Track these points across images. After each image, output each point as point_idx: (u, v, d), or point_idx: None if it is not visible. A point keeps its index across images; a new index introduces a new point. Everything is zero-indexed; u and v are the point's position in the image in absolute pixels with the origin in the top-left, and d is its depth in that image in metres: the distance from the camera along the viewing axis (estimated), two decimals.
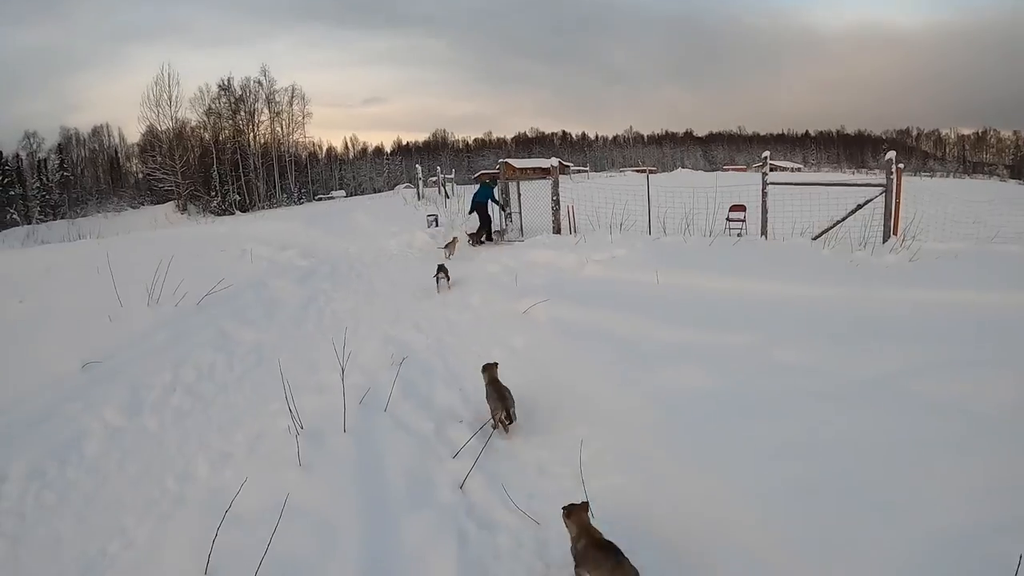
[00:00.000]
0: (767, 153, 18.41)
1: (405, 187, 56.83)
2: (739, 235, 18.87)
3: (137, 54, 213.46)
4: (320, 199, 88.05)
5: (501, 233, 21.78)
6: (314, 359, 10.21)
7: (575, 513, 5.08)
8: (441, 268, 15.04)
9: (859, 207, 16.21)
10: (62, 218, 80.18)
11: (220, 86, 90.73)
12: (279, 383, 8.26)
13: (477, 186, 22.88)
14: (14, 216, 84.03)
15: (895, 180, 15.79)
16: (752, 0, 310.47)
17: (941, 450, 5.71)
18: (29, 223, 78.99)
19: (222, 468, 7.17)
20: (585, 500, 5.29)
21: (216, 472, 7.11)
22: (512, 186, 23.53)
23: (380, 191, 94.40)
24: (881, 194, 15.96)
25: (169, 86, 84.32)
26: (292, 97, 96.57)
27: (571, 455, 6.59)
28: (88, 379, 9.81)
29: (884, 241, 15.46)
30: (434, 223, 23.99)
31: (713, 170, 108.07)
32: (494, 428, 7.32)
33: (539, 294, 11.77)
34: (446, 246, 18.93)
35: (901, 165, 16.08)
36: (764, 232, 17.49)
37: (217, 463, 7.30)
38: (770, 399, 6.99)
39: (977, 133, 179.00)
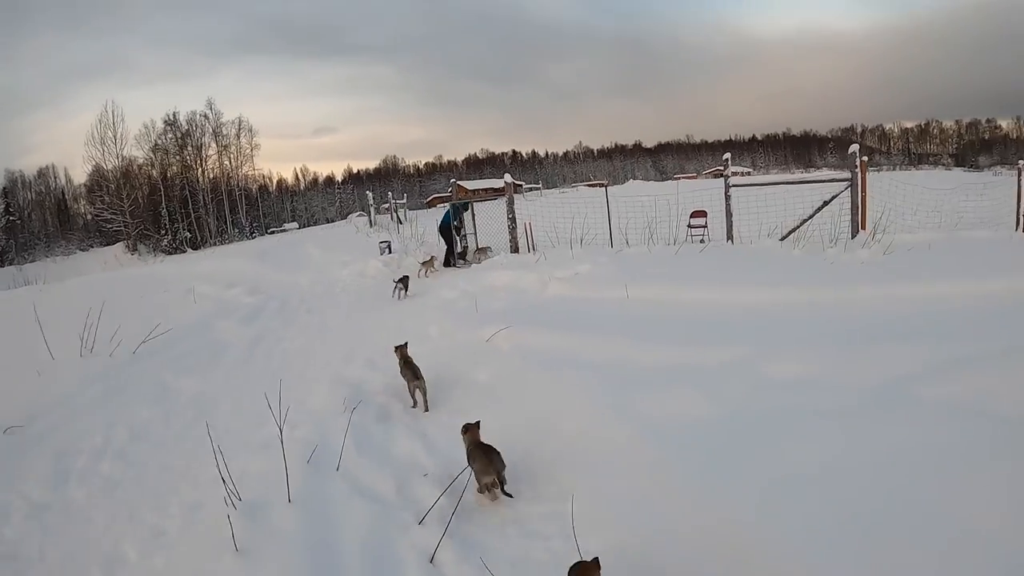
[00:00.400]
0: (728, 155, 17.79)
1: (358, 215, 55.74)
2: (702, 241, 18.43)
3: (83, 93, 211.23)
4: (273, 232, 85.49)
5: (464, 255, 20.88)
6: (260, 410, 8.97)
7: (470, 431, 6.55)
8: (403, 279, 16.04)
9: (826, 203, 15.75)
10: (9, 264, 77.54)
11: (166, 121, 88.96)
12: (220, 440, 7.37)
13: (443, 209, 22.07)
14: None
15: (860, 174, 15.27)
16: (688, 18, 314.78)
17: (967, 460, 4.88)
18: None
19: (153, 551, 6.05)
20: (478, 420, 6.71)
21: (146, 557, 6.00)
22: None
23: (333, 221, 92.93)
24: (847, 189, 15.50)
25: (114, 124, 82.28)
26: (239, 130, 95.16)
27: (558, 508, 5.62)
28: (9, 446, 8.59)
29: (853, 236, 15.03)
30: (387, 250, 22.97)
31: (664, 179, 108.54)
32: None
33: (501, 320, 10.82)
34: (423, 264, 18.99)
35: (865, 158, 15.50)
36: (730, 236, 16.91)
37: (148, 544, 6.19)
38: (771, 422, 6.10)
39: (920, 126, 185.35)
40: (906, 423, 5.59)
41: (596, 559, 4.40)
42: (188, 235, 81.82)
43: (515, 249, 19.52)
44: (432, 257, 19.48)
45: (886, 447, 5.27)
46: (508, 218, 19.61)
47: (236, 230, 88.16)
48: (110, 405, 9.88)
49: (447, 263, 20.49)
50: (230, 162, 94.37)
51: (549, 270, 15.12)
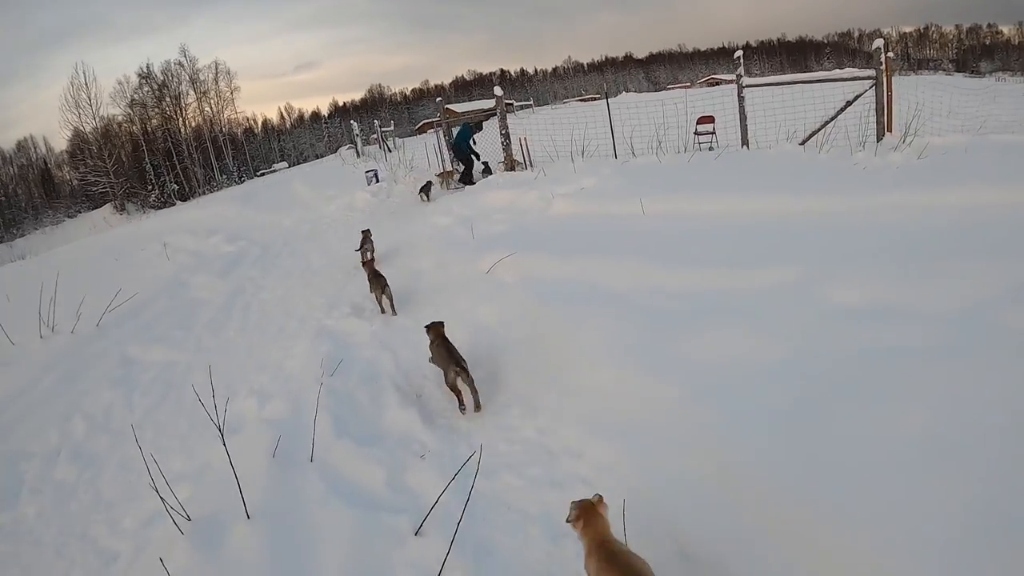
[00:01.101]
0: (739, 53, 15.90)
1: (347, 148, 53.71)
2: (710, 149, 17.01)
3: (58, 61, 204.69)
4: (262, 174, 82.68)
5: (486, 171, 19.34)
6: (232, 380, 7.82)
7: (433, 328, 6.67)
8: (426, 185, 16.81)
9: (849, 104, 14.10)
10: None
11: (140, 75, 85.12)
12: (189, 420, 6.76)
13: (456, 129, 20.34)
14: None
15: (885, 72, 13.55)
16: None
17: None
18: None
19: None
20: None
21: None
22: (456, 130, 21.00)
23: (322, 157, 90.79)
24: (872, 87, 13.79)
25: (86, 84, 78.87)
26: (217, 74, 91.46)
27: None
28: None
29: (879, 140, 13.40)
30: (374, 179, 21.36)
31: (657, 91, 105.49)
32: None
33: (502, 247, 9.49)
34: (441, 176, 18.42)
35: (891, 55, 13.81)
36: (745, 142, 15.31)
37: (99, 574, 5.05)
38: (859, 366, 4.60)
39: (919, 30, 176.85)
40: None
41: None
42: (176, 187, 79.08)
43: (510, 167, 17.97)
44: (429, 182, 17.96)
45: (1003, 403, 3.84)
46: (501, 134, 18.03)
47: (224, 176, 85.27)
48: (69, 393, 8.61)
49: (464, 181, 18.94)
50: (211, 108, 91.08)
51: (550, 187, 13.68)
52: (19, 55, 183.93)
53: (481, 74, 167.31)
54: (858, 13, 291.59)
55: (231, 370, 8.25)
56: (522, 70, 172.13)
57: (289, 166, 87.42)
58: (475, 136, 19.28)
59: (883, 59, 13.55)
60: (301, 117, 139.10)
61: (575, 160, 16.19)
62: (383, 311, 9.27)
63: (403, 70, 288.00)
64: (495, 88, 18.18)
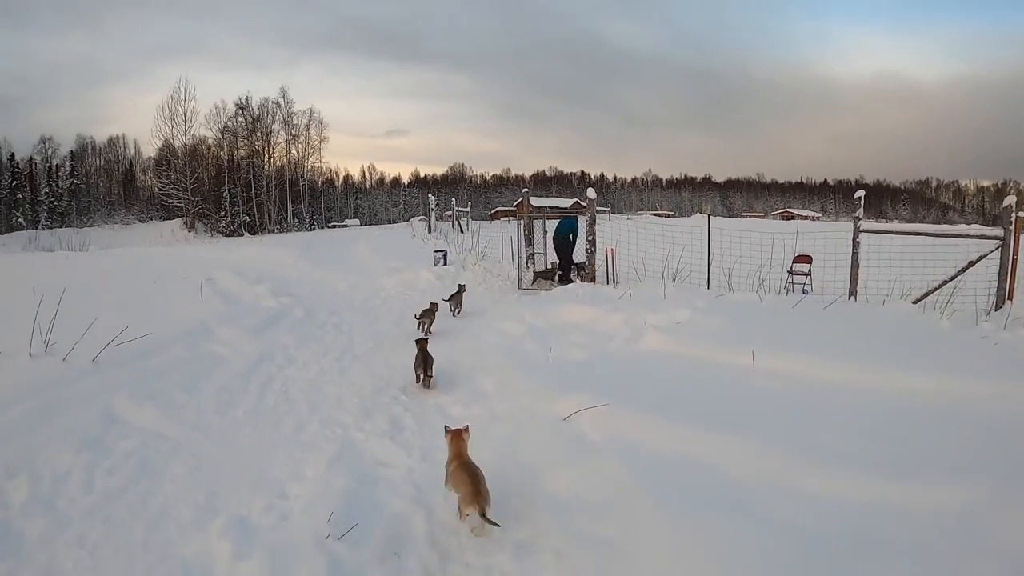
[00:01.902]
0: (861, 193, 14.17)
1: (419, 219, 52.73)
2: (804, 291, 15.74)
3: (160, 72, 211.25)
4: (334, 226, 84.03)
5: (553, 274, 17.79)
6: (218, 487, 5.99)
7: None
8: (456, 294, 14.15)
9: (971, 264, 12.29)
10: (68, 226, 76.57)
11: (237, 104, 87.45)
12: (144, 537, 5.15)
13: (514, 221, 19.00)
14: (19, 220, 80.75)
15: (1014, 231, 11.90)
16: (765, 54, 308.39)
17: None
18: (35, 228, 75.76)
19: None
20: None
21: None
22: (538, 224, 19.34)
23: (395, 222, 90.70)
24: (997, 248, 12.10)
25: (184, 101, 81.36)
26: (310, 120, 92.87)
27: None
28: None
29: (998, 307, 11.67)
30: (442, 260, 19.87)
31: (731, 216, 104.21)
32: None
33: (585, 384, 7.61)
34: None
35: (1023, 214, 11.99)
36: (853, 292, 13.40)
37: None
38: None
39: (997, 185, 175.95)
40: None
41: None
42: (247, 219, 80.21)
43: (592, 278, 16.28)
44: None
45: None
46: (587, 240, 16.33)
47: (296, 220, 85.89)
48: (29, 439, 6.82)
49: (561, 279, 17.49)
50: (297, 152, 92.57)
51: (638, 312, 11.81)
52: (130, 59, 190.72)
53: (562, 172, 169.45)
54: (936, 162, 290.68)
55: (223, 471, 6.40)
56: (602, 175, 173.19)
57: (361, 224, 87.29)
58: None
59: (1013, 218, 11.83)
60: (382, 180, 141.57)
61: (664, 285, 14.38)
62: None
63: (487, 154, 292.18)
64: (588, 190, 16.57)
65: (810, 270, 16.93)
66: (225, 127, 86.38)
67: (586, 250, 16.33)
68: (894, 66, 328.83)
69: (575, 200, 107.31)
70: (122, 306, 12.45)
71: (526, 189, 19.78)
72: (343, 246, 26.18)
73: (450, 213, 37.93)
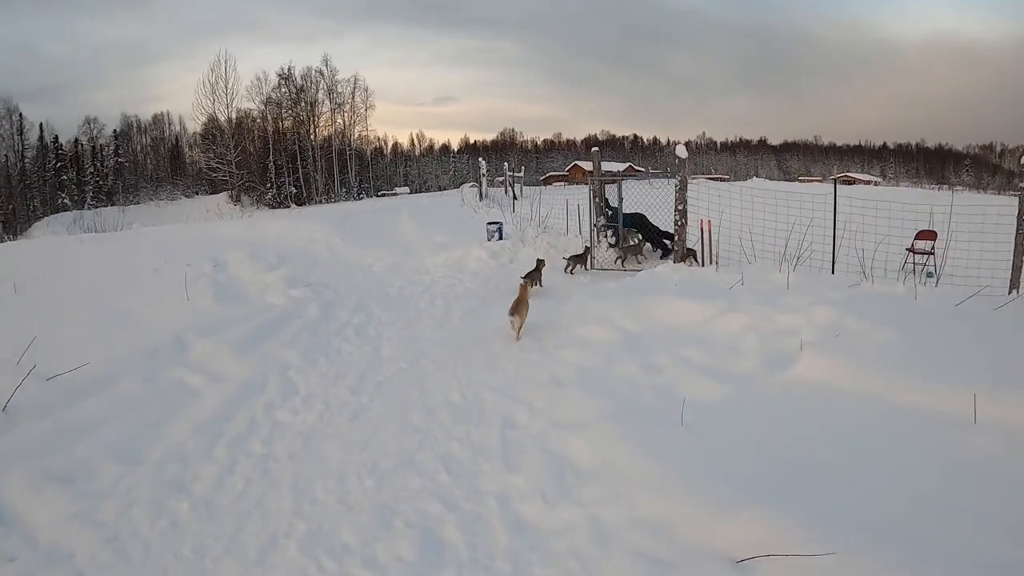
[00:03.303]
0: None
1: (470, 186, 49.31)
2: (929, 275, 12.49)
3: (205, 49, 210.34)
4: (383, 195, 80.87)
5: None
6: None
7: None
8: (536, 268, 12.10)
9: None
10: (113, 205, 74.63)
11: (280, 75, 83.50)
12: None
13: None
14: (65, 201, 79.20)
15: None
16: (818, 14, 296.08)
17: None
18: (81, 208, 74.30)
19: None
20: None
21: None
22: (611, 189, 15.85)
23: (445, 189, 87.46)
24: None
25: (225, 73, 78.33)
26: (355, 89, 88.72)
27: None
28: None
29: None
30: (497, 234, 16.28)
31: (788, 180, 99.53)
32: None
33: (754, 473, 4.72)
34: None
35: None
36: (1015, 284, 9.87)
37: None
38: None
39: None
40: None
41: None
42: (293, 191, 77.13)
43: (682, 257, 12.90)
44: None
45: None
46: (677, 210, 12.92)
47: (344, 190, 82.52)
48: None
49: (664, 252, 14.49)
50: (343, 120, 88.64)
51: (761, 309, 8.61)
52: (174, 37, 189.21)
53: (614, 136, 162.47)
54: (1001, 126, 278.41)
55: None
56: (655, 138, 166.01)
57: (410, 192, 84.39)
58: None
59: None
60: (431, 147, 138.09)
61: (781, 267, 11.08)
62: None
63: (537, 119, 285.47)
64: (678, 148, 13.01)
65: (933, 248, 13.71)
66: (269, 98, 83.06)
67: (676, 223, 12.96)
68: (951, 26, 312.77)
69: (628, 164, 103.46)
70: (86, 310, 9.47)
71: (596, 148, 16.39)
72: (385, 218, 22.68)
73: (502, 179, 34.54)
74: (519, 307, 9.17)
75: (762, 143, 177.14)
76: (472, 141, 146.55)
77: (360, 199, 73.54)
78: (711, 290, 9.89)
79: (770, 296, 9.36)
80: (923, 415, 5.67)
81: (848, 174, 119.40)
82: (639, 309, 9.28)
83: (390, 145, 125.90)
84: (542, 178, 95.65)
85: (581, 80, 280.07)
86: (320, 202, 73.04)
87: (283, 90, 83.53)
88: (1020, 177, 10.35)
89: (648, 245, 14.71)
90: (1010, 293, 9.66)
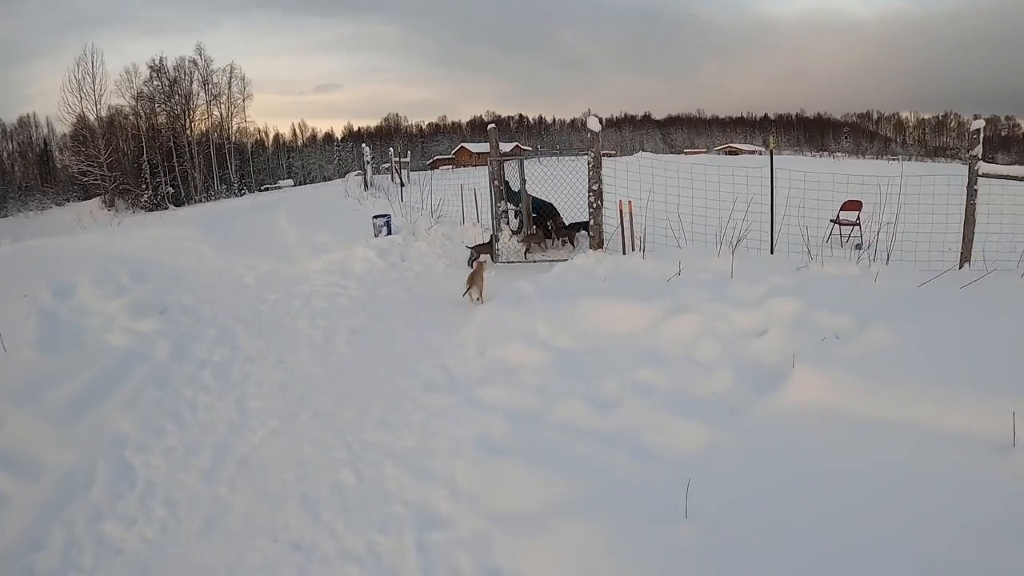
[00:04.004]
0: (980, 123, 9.72)
1: (355, 175, 46.76)
2: (857, 247, 12.00)
3: (74, 46, 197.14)
4: (266, 188, 75.54)
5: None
6: None
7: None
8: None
9: None
10: None
11: (151, 67, 76.95)
12: None
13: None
14: None
15: None
16: None
17: None
18: None
19: None
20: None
21: None
22: (509, 168, 13.94)
23: (330, 179, 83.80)
24: None
25: (92, 68, 71.25)
26: (231, 78, 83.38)
27: None
28: None
29: None
30: (385, 229, 14.16)
31: (674, 152, 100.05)
32: None
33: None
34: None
35: None
36: (967, 257, 9.01)
37: None
38: None
39: (938, 117, 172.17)
40: None
41: None
42: (171, 191, 71.28)
43: (599, 243, 11.21)
44: (479, 254, 11.58)
45: None
46: (591, 191, 11.21)
47: (224, 186, 77.24)
48: None
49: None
50: (220, 113, 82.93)
51: (713, 305, 7.18)
52: (46, 34, 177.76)
53: (499, 116, 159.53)
54: (878, 96, 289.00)
55: None
56: (540, 117, 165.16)
57: (294, 184, 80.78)
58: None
59: None
60: (314, 137, 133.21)
61: (720, 250, 9.64)
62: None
63: (421, 103, 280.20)
64: (590, 120, 11.30)
65: (859, 218, 13.40)
66: (140, 93, 76.34)
67: (590, 205, 11.23)
68: (827, 3, 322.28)
69: (515, 144, 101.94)
70: None
71: (492, 124, 14.45)
72: (261, 217, 20.04)
73: (387, 165, 32.27)
74: (475, 279, 9.61)
75: (647, 118, 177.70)
76: (356, 128, 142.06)
77: (242, 195, 69.56)
78: (646, 285, 8.24)
79: (715, 288, 7.86)
80: (962, 442, 4.26)
81: (732, 144, 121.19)
82: (567, 317, 7.51)
83: (271, 137, 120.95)
84: (428, 162, 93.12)
85: (466, 63, 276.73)
86: (200, 201, 68.21)
87: (155, 83, 77.25)
88: (969, 146, 9.28)
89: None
90: (960, 267, 8.73)
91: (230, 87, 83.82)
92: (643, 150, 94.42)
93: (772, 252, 10.40)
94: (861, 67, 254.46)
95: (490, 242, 12.11)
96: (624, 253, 10.80)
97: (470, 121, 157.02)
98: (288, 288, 10.91)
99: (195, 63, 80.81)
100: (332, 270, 11.88)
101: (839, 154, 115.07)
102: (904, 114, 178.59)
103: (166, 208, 62.21)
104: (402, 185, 26.60)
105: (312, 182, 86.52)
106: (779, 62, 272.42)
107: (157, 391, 7.00)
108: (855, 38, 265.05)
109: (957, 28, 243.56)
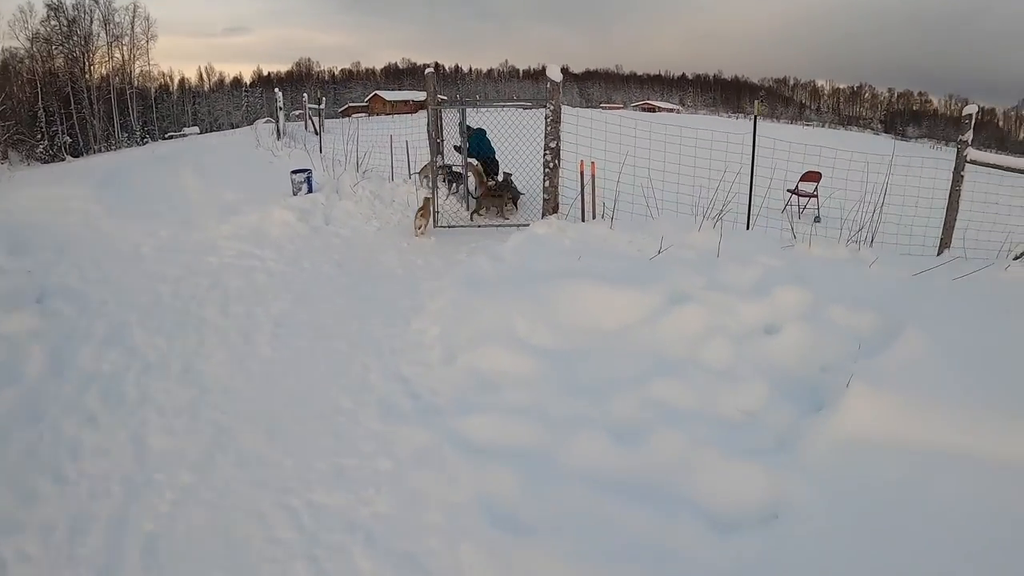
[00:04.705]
0: (972, 109, 9.04)
1: (265, 122, 43.78)
2: (816, 220, 12.03)
3: None
4: (170, 136, 70.28)
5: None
6: None
7: None
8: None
9: None
10: None
11: (49, 5, 70.03)
12: None
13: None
14: None
15: None
16: None
17: None
18: None
19: None
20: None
21: None
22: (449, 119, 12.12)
23: (238, 126, 79.27)
24: None
25: None
26: (134, 17, 77.08)
27: None
28: None
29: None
30: (305, 187, 12.14)
31: (589, 107, 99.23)
32: None
33: None
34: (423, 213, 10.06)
35: None
36: (947, 243, 8.71)
37: None
38: None
39: (852, 88, 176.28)
40: None
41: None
42: (68, 140, 65.17)
43: (554, 208, 9.73)
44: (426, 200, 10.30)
45: None
46: (548, 148, 9.61)
47: (125, 135, 71.65)
48: None
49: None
50: (122, 55, 76.87)
51: (719, 298, 6.01)
52: None
53: (415, 64, 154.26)
54: (795, 63, 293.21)
55: None
56: (457, 66, 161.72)
57: (200, 132, 76.39)
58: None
59: None
60: (222, 81, 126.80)
61: (699, 222, 8.49)
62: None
63: (334, 48, 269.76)
64: (550, 68, 9.72)
65: (816, 190, 12.83)
66: (36, 34, 69.80)
67: (546, 165, 9.64)
68: None
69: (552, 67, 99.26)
70: None
71: (430, 69, 12.60)
72: (162, 170, 17.16)
73: (299, 112, 29.83)
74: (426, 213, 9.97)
75: (564, 71, 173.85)
76: (266, 73, 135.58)
77: (144, 144, 65.22)
78: (629, 265, 6.82)
79: (704, 269, 6.60)
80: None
81: (649, 102, 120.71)
82: (546, 307, 5.99)
83: (176, 81, 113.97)
84: (341, 109, 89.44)
85: (379, 8, 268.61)
86: (99, 151, 63.43)
87: (52, 23, 70.49)
88: (961, 131, 8.71)
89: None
90: (940, 253, 8.43)
91: (133, 27, 77.47)
92: (505, 101, 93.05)
93: (748, 227, 9.32)
94: (779, 32, 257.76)
95: (424, 206, 10.39)
96: (583, 220, 9.30)
97: (384, 68, 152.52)
98: (193, 261, 8.97)
99: (96, 1, 74.32)
100: (245, 236, 9.98)
101: (742, 115, 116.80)
102: (820, 82, 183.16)
103: (63, 159, 57.89)
104: (316, 133, 24.41)
105: (219, 129, 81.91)
106: (698, 22, 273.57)
107: (24, 429, 5.05)
108: (773, 2, 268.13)
109: (875, 6, 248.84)
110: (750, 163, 10.04)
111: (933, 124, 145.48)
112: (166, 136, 73.06)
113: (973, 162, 8.62)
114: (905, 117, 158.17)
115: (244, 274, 8.45)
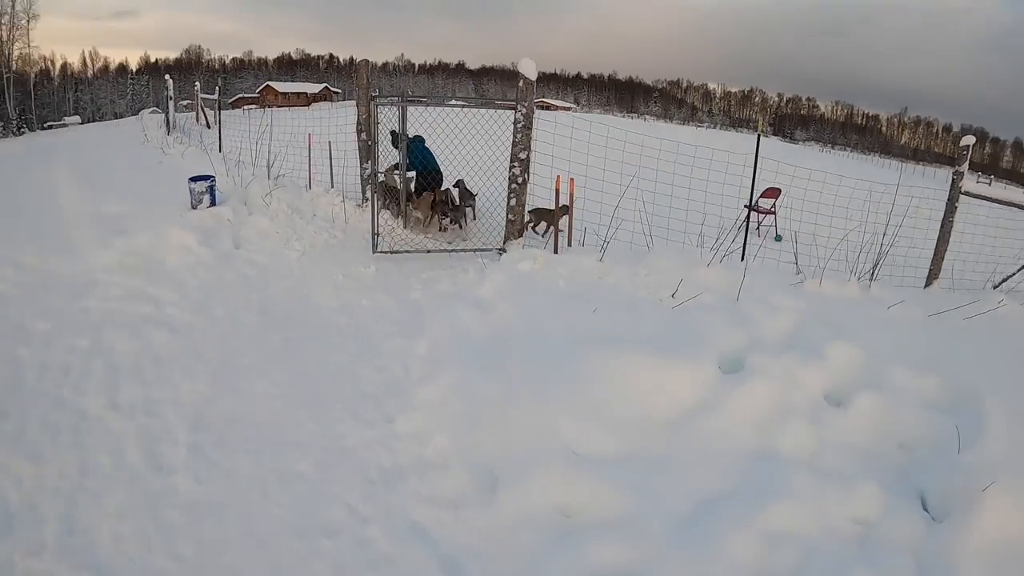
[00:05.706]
0: (970, 140, 8.61)
1: (152, 112, 40.01)
2: (778, 238, 11.28)
3: None
4: (50, 126, 64.28)
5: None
6: None
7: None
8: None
9: None
10: None
11: None
12: None
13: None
14: None
15: None
16: None
17: None
18: None
19: None
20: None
21: None
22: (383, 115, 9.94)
23: (122, 116, 73.58)
24: None
25: None
26: None
27: None
28: None
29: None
30: (207, 197, 9.55)
31: (485, 106, 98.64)
32: None
33: None
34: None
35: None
36: (936, 274, 8.46)
37: None
38: None
39: (743, 91, 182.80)
40: None
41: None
42: None
43: (519, 231, 7.99)
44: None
45: None
46: (515, 161, 7.71)
47: (0, 123, 65.85)
48: None
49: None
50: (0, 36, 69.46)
51: (779, 364, 4.57)
52: None
53: (309, 55, 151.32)
54: (688, 65, 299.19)
55: None
56: (351, 58, 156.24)
57: (82, 122, 70.58)
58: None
59: None
60: (106, 67, 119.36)
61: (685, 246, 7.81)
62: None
63: (225, 36, 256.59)
64: (523, 62, 7.77)
65: (775, 206, 11.98)
66: None
67: (513, 179, 7.66)
68: None
69: (324, 85, 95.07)
70: None
71: (365, 59, 10.31)
72: (33, 169, 13.99)
73: (187, 103, 26.80)
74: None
75: (460, 67, 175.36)
76: (154, 60, 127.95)
77: (22, 134, 59.71)
78: (654, 316, 5.25)
79: (737, 320, 5.29)
80: None
81: (544, 100, 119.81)
82: (587, 392, 4.24)
83: (58, 67, 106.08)
84: (231, 100, 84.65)
85: None
86: None
87: None
88: (958, 161, 8.44)
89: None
90: (927, 286, 8.35)
91: (13, 5, 70.40)
92: (455, 99, 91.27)
93: (743, 258, 8.06)
94: (674, 35, 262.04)
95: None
96: (556, 252, 7.40)
97: (277, 58, 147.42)
98: (67, 307, 6.49)
99: None
100: (134, 267, 7.50)
101: (649, 117, 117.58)
102: (712, 85, 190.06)
103: None
104: (208, 126, 21.63)
105: (102, 119, 76.13)
106: (593, 23, 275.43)
107: None
108: (668, 6, 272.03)
109: (764, 13, 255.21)
110: (750, 185, 8.97)
111: (820, 128, 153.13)
112: (45, 126, 67.27)
113: (967, 194, 8.31)
114: (793, 121, 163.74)
115: (135, 330, 6.09)
